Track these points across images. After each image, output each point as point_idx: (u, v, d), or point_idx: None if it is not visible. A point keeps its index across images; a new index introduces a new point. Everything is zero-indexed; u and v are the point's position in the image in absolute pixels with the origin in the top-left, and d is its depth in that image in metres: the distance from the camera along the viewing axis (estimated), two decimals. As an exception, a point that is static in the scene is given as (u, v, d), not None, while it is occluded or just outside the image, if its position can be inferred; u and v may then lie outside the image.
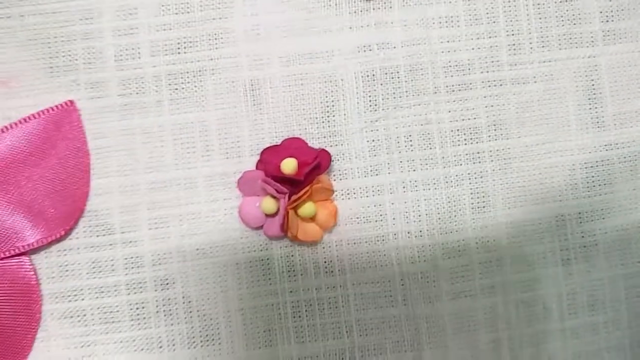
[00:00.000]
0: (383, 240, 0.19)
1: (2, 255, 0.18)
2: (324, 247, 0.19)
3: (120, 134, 0.19)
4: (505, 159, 0.19)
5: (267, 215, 0.18)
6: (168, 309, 0.18)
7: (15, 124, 0.18)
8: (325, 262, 0.19)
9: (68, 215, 0.18)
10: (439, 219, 0.19)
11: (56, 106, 0.18)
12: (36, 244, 0.18)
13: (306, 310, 0.18)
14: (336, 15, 0.19)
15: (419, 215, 0.19)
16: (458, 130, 0.19)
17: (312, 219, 0.18)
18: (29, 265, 0.18)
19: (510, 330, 0.19)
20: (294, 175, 0.18)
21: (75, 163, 0.18)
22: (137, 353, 0.18)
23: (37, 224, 0.18)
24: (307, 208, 0.18)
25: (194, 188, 0.19)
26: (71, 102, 0.18)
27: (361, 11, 0.19)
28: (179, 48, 0.19)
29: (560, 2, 0.20)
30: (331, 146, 0.19)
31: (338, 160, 0.19)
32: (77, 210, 0.18)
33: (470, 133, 0.19)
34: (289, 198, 0.18)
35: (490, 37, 0.19)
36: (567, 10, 0.19)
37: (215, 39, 0.19)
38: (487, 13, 0.19)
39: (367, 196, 0.19)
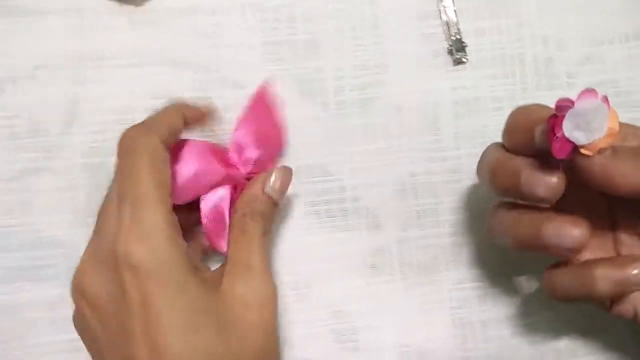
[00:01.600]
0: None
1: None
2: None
3: (336, 128, 0.38)
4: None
5: None
6: (356, 211, 0.38)
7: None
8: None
9: (279, 152, 0.37)
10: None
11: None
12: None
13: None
14: (439, 70, 0.39)
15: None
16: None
17: None
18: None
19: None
20: None
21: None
22: (340, 232, 0.38)
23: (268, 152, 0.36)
24: None
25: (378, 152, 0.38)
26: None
27: (450, 71, 0.39)
28: (364, 87, 0.38)
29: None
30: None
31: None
32: (281, 148, 0.37)
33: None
34: None
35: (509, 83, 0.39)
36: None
37: (380, 85, 0.39)
38: (512, 72, 0.39)
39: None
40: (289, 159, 0.37)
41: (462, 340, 0.37)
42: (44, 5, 0.37)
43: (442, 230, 0.38)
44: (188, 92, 0.37)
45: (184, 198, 0.32)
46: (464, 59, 0.38)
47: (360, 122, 0.38)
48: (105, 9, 0.37)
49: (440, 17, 0.39)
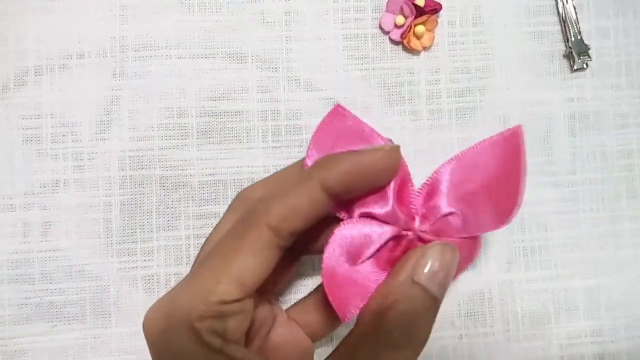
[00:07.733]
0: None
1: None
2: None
3: (428, 141, 0.31)
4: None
5: (397, 26, 0.31)
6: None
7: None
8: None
9: (493, 226, 0.24)
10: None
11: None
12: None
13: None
14: (553, 77, 0.32)
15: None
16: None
17: (420, 37, 0.30)
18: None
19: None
20: (423, 6, 0.30)
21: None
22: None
23: (474, 218, 0.23)
24: (420, 28, 0.30)
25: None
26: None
27: (567, 79, 0.32)
28: (464, 94, 0.32)
29: None
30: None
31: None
32: (501, 222, 0.23)
33: None
34: (414, 18, 0.30)
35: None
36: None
37: (482, 92, 0.32)
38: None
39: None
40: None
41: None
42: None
43: (554, 272, 0.31)
44: (252, 92, 0.30)
45: None
46: (585, 65, 0.32)
47: (458, 136, 0.31)
48: (154, -11, 0.30)
49: (558, 12, 0.32)
